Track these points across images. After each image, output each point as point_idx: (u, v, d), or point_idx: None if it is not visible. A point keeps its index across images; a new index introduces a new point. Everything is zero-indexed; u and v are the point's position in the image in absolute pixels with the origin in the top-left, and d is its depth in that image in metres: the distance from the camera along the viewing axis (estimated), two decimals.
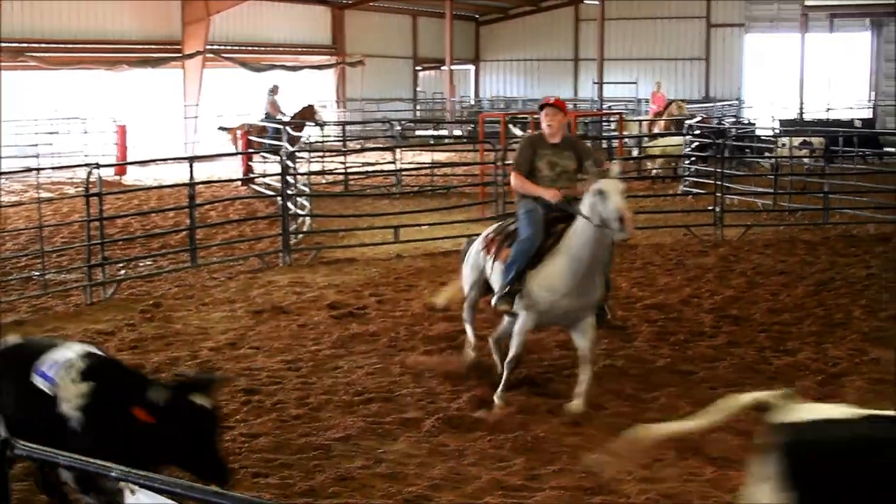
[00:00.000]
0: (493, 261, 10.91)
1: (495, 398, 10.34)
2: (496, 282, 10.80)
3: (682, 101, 35.56)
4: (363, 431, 9.51)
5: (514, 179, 10.90)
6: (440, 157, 33.57)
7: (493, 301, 10.79)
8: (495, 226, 11.61)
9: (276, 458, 8.81)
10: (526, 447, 9.12)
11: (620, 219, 9.58)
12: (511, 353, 10.49)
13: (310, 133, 31.71)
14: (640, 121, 37.39)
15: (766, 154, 28.82)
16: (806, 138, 29.14)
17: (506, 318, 11.04)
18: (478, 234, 11.68)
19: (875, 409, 5.99)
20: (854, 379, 10.89)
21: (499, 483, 8.33)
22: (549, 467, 8.68)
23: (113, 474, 4.47)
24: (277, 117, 30.15)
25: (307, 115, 30.84)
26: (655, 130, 32.39)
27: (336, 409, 10.17)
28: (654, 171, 28.41)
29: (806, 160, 27.47)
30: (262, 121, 30.18)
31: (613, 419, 9.83)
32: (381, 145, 33.63)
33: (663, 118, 33.19)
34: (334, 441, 9.22)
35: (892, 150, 32.31)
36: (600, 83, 46.15)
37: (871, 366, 11.60)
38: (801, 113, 44.84)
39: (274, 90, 31.60)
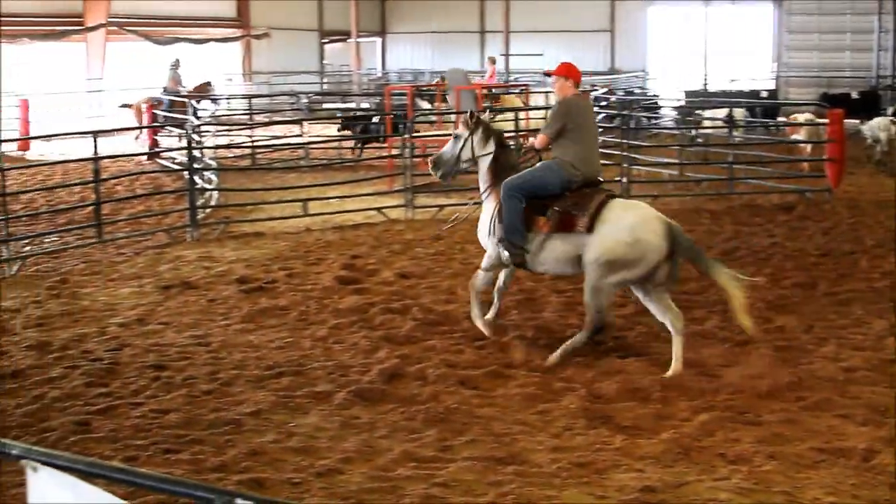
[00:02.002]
0: None
1: None
2: None
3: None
4: (274, 405, 9.46)
5: None
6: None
7: None
8: None
9: (187, 434, 8.71)
10: (438, 419, 9.09)
11: None
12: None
13: (206, 109, 31.51)
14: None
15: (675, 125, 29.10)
16: (730, 111, 29.43)
17: None
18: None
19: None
20: (759, 346, 11.04)
21: (411, 455, 8.30)
22: (460, 438, 8.67)
23: (14, 452, 4.38)
24: (178, 91, 30.08)
25: (202, 90, 30.96)
26: None
27: (246, 384, 10.09)
28: None
29: (713, 131, 27.74)
30: (162, 95, 30.09)
31: (523, 389, 9.89)
32: (288, 118, 33.49)
33: None
34: (245, 416, 9.17)
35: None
36: (507, 55, 46.25)
37: (776, 333, 11.78)
38: (706, 84, 45.30)
39: (176, 64, 31.44)
